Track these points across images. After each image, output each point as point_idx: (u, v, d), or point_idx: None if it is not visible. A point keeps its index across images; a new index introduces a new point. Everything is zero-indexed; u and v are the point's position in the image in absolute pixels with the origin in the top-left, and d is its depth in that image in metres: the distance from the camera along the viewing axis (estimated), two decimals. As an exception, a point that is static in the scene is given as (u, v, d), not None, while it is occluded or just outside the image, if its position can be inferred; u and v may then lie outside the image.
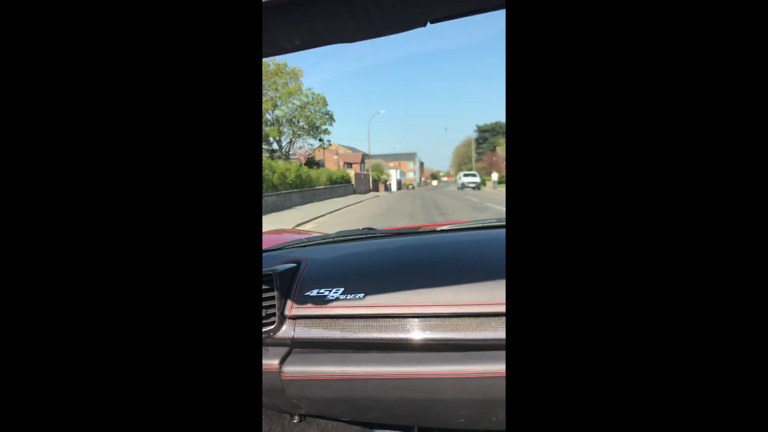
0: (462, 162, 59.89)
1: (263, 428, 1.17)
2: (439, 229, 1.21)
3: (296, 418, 1.04)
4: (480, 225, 1.19)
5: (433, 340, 0.80)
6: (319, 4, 0.48)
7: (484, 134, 58.79)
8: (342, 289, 0.87)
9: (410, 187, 54.15)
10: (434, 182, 78.34)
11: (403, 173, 67.36)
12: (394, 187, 45.91)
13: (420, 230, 1.25)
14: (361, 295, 0.85)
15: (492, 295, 0.80)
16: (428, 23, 0.56)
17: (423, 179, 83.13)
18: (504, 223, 1.19)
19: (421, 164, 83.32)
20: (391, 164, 54.37)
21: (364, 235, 1.25)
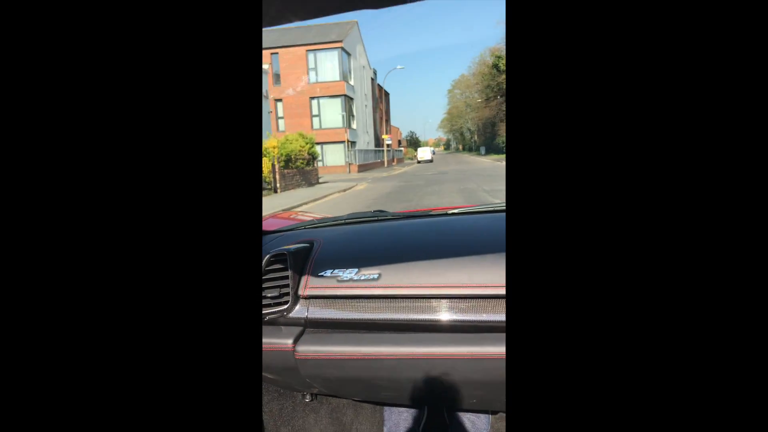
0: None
1: (275, 406, 1.24)
2: (450, 212, 1.23)
3: (308, 396, 1.10)
4: (492, 209, 1.21)
5: (448, 321, 0.83)
6: None
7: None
8: (356, 270, 0.90)
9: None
10: (422, 154, 33.32)
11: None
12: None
13: (432, 213, 1.28)
14: (376, 275, 0.88)
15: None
16: None
17: (389, 138, 27.82)
18: None
19: (377, 85, 29.91)
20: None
21: (376, 218, 1.28)
